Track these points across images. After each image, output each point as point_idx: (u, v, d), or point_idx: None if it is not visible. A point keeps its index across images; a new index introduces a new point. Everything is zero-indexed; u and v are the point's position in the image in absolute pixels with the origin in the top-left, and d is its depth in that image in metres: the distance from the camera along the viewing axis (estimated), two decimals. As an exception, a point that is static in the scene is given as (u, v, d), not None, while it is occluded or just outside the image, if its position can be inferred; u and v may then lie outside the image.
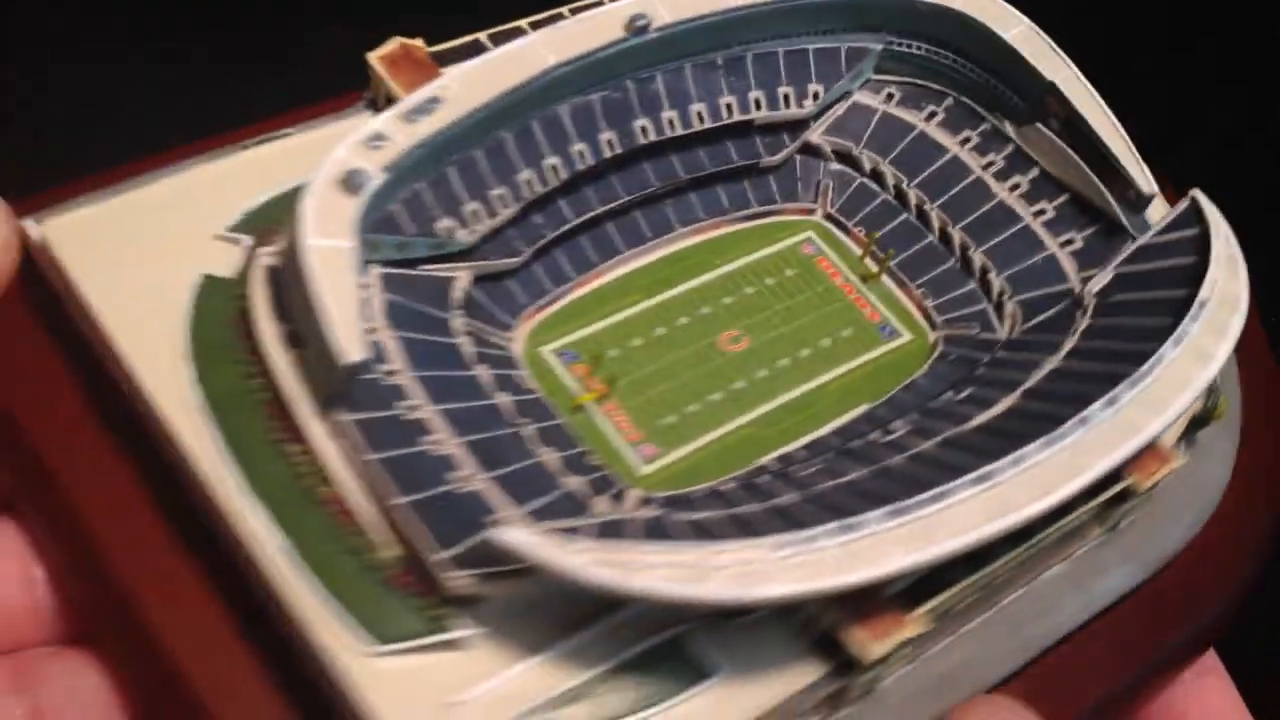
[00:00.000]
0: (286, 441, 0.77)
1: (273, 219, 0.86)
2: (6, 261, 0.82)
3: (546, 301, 0.96)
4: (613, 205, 0.99)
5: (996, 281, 1.00)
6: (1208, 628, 0.89)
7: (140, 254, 0.83)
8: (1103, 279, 0.93)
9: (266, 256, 0.82)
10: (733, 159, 1.03)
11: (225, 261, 0.84)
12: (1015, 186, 1.03)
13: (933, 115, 1.07)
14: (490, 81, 0.89)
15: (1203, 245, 0.90)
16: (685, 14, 0.95)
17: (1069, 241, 1.00)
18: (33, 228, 0.83)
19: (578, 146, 0.95)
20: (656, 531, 0.74)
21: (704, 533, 0.74)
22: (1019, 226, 1.02)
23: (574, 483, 0.83)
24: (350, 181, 0.81)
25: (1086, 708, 0.83)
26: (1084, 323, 0.91)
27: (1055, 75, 1.00)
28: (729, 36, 0.99)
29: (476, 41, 0.98)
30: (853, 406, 0.95)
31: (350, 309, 0.76)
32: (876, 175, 1.06)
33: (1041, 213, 1.02)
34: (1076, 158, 1.01)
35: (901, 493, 0.75)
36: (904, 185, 1.05)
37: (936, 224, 1.04)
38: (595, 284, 0.99)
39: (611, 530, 0.74)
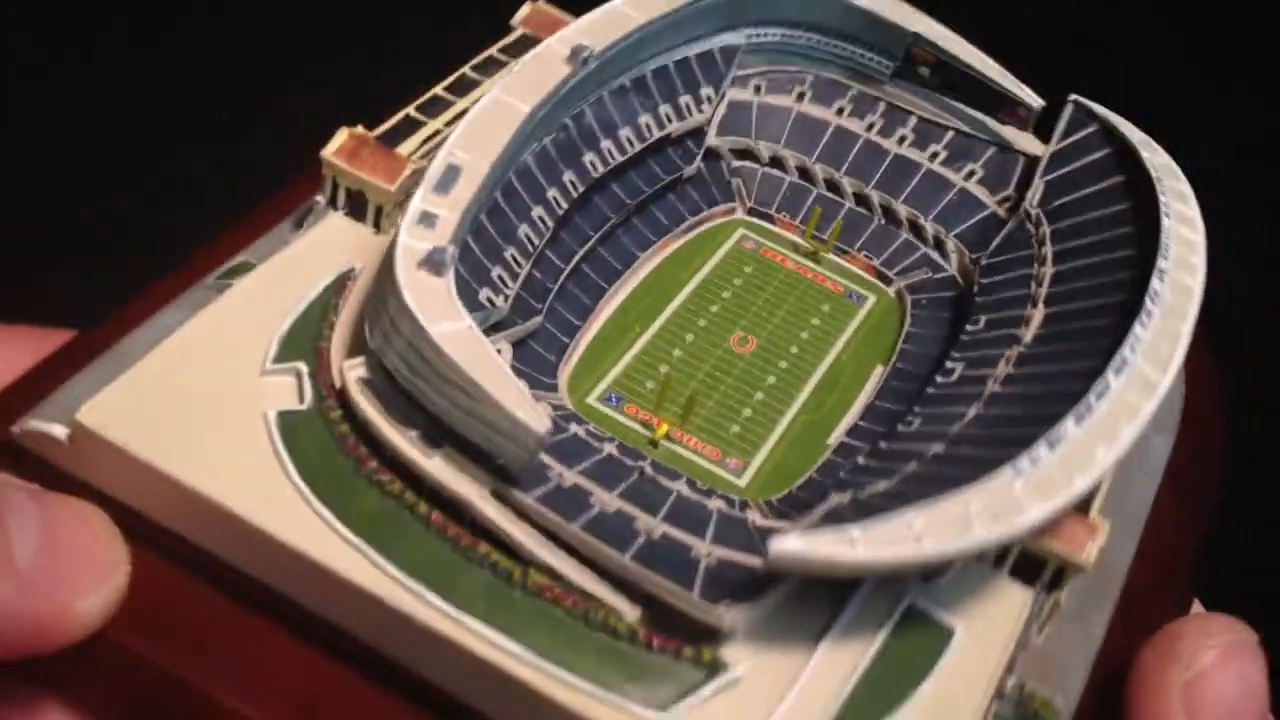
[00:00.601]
0: (469, 544, 0.71)
1: (312, 338, 0.79)
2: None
3: (567, 354, 0.93)
4: (587, 246, 0.97)
5: (928, 226, 1.07)
6: None
7: (191, 417, 0.74)
8: (1036, 192, 1.02)
9: (354, 370, 0.75)
10: (661, 176, 1.04)
11: (282, 396, 0.76)
12: (902, 139, 1.10)
13: (801, 95, 1.12)
14: (489, 141, 0.85)
15: (1107, 134, 1.00)
16: (602, 42, 0.95)
17: (971, 173, 1.08)
18: (49, 427, 0.72)
19: (551, 193, 0.93)
20: (867, 511, 0.74)
21: (905, 499, 0.75)
22: (921, 172, 1.09)
23: (716, 505, 0.81)
24: (434, 261, 0.75)
25: None
26: (1047, 235, 0.99)
27: (915, 26, 1.08)
28: (630, 58, 1.00)
29: (408, 117, 0.93)
30: (871, 369, 0.98)
31: (512, 381, 0.70)
32: (777, 162, 1.10)
33: (935, 155, 1.09)
34: (949, 99, 1.10)
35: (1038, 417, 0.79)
36: (806, 164, 1.10)
37: (850, 190, 1.09)
38: (595, 327, 0.97)
39: (836, 519, 0.73)
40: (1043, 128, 1.09)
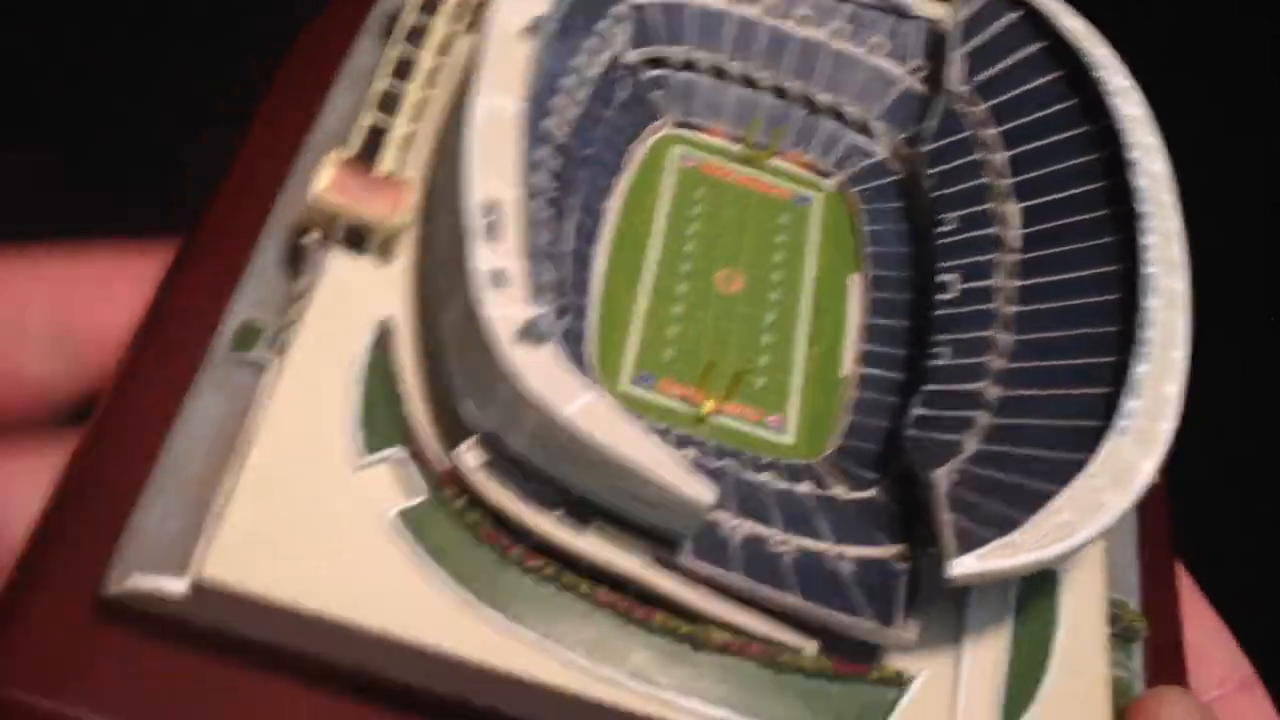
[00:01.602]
0: (643, 616, 0.71)
1: (390, 415, 0.73)
2: None
3: (584, 343, 0.90)
4: (575, 220, 0.92)
5: (852, 109, 1.07)
6: None
7: (311, 541, 0.69)
8: (958, 68, 1.04)
9: (472, 455, 0.71)
10: (602, 114, 0.99)
11: (388, 490, 0.71)
12: (802, 19, 1.08)
13: None
14: (501, 160, 0.78)
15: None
16: (546, 3, 0.88)
17: (877, 45, 1.08)
18: (161, 583, 0.66)
19: (536, 178, 0.87)
20: (983, 488, 0.78)
21: (1006, 463, 0.80)
22: (833, 53, 1.08)
23: (805, 488, 0.83)
24: (535, 333, 0.71)
25: None
26: (988, 115, 1.01)
27: None
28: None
29: (375, 127, 0.84)
30: (844, 278, 1.00)
31: (664, 451, 0.69)
32: (690, 65, 1.07)
33: (839, 32, 1.09)
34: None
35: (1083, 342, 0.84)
36: (719, 62, 1.07)
37: (767, 84, 1.07)
38: (596, 301, 0.93)
39: (959, 505, 0.77)
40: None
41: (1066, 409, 0.81)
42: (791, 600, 0.71)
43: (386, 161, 0.81)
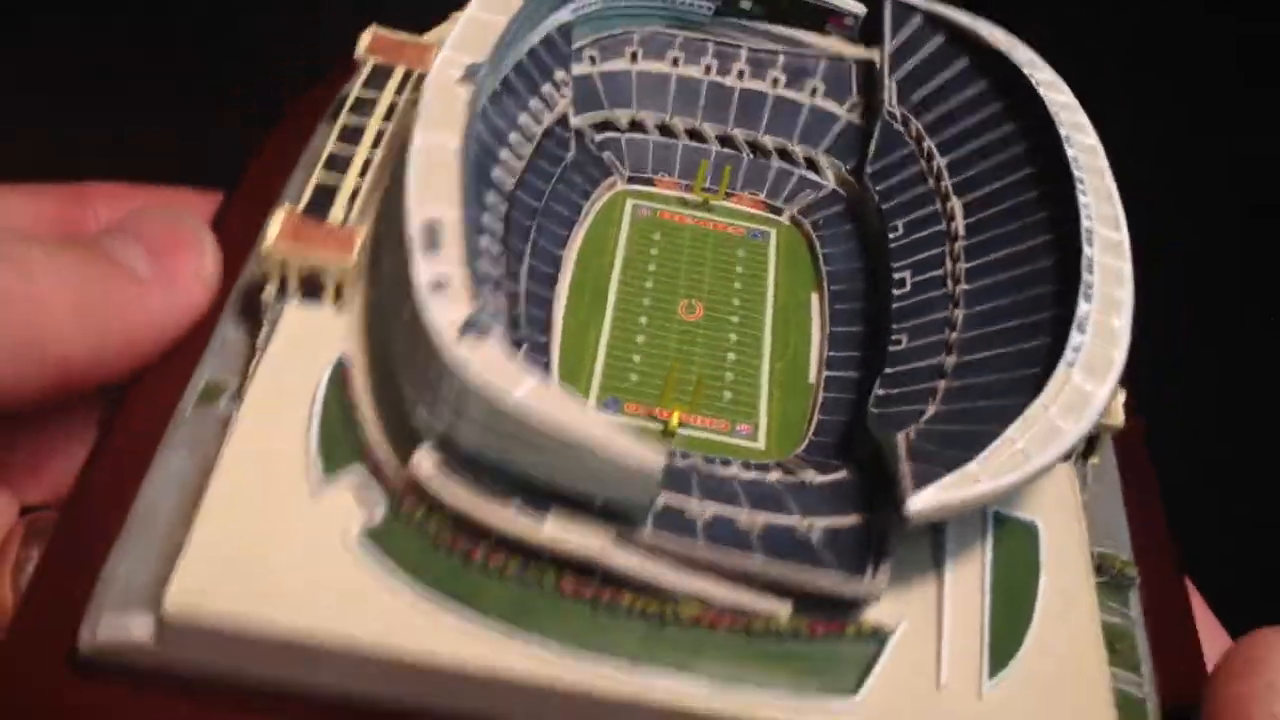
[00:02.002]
0: (611, 598, 0.71)
1: (348, 441, 0.75)
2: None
3: (549, 376, 0.92)
4: (526, 265, 0.95)
5: (797, 149, 1.11)
6: None
7: (275, 567, 0.70)
8: (890, 93, 1.07)
9: (425, 461, 0.72)
10: (550, 171, 1.03)
11: (349, 510, 0.73)
12: (740, 74, 1.13)
13: (634, 55, 1.13)
14: (442, 186, 0.82)
15: (935, 23, 1.06)
16: (482, 54, 0.93)
17: (814, 89, 1.13)
18: (125, 626, 0.67)
19: (485, 219, 0.91)
20: (942, 441, 0.79)
21: (970, 417, 0.80)
22: (770, 100, 1.13)
23: (774, 476, 0.84)
24: (475, 326, 0.73)
25: None
26: (921, 130, 1.04)
27: None
28: (499, 62, 0.98)
29: (320, 185, 0.88)
30: (807, 299, 1.02)
31: (610, 425, 0.70)
32: (636, 125, 1.11)
33: (776, 81, 1.13)
34: (769, 26, 1.14)
35: (1033, 301, 0.85)
36: (663, 120, 1.11)
37: (712, 135, 1.11)
38: (556, 338, 0.96)
39: (919, 456, 0.77)
40: (866, 34, 1.14)
41: (1014, 362, 0.82)
42: (758, 562, 0.71)
43: (335, 213, 0.84)
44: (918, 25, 1.08)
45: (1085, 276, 0.82)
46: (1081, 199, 0.87)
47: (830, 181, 1.09)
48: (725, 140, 1.11)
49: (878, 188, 1.05)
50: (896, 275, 0.97)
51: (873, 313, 0.99)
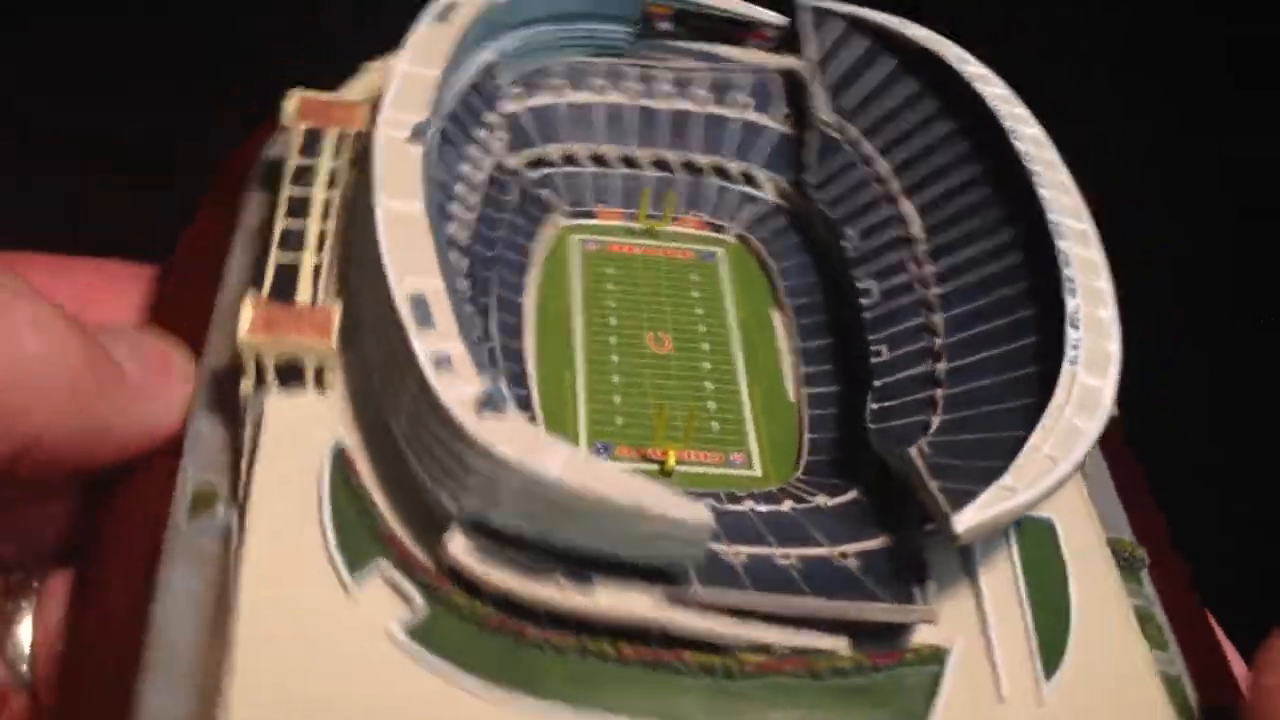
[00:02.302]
0: (672, 659, 0.70)
1: (367, 533, 0.72)
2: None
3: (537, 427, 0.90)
4: (494, 320, 0.93)
5: (732, 166, 1.10)
6: None
7: (310, 689, 0.67)
8: (821, 100, 1.08)
9: (458, 545, 0.70)
10: (496, 217, 1.01)
11: (386, 607, 0.70)
12: (666, 95, 1.12)
13: (559, 88, 1.11)
14: (418, 254, 0.79)
15: (858, 26, 1.07)
16: (424, 110, 0.90)
17: (746, 105, 1.12)
18: None
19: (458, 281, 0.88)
20: (956, 452, 0.79)
21: (976, 425, 0.81)
22: (702, 118, 1.12)
23: (789, 505, 0.83)
24: (491, 403, 0.70)
25: None
26: (859, 135, 1.05)
27: None
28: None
29: (281, 266, 0.85)
30: (769, 317, 1.02)
31: (650, 485, 0.68)
32: (570, 159, 1.09)
33: (703, 98, 1.13)
34: (692, 44, 1.13)
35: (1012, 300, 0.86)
36: (595, 150, 1.10)
37: (647, 161, 1.10)
38: (535, 389, 0.94)
39: (939, 473, 0.77)
40: (786, 43, 1.14)
41: (1006, 363, 0.83)
42: (811, 603, 0.70)
43: (302, 293, 0.81)
44: (841, 30, 1.08)
45: (1065, 271, 0.83)
46: (1042, 192, 0.88)
47: (770, 195, 1.09)
48: (660, 164, 1.10)
49: (822, 197, 1.05)
50: (861, 285, 0.97)
51: (839, 324, 0.99)
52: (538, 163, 1.08)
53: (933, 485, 0.74)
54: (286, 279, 0.82)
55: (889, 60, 1.05)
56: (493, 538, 0.70)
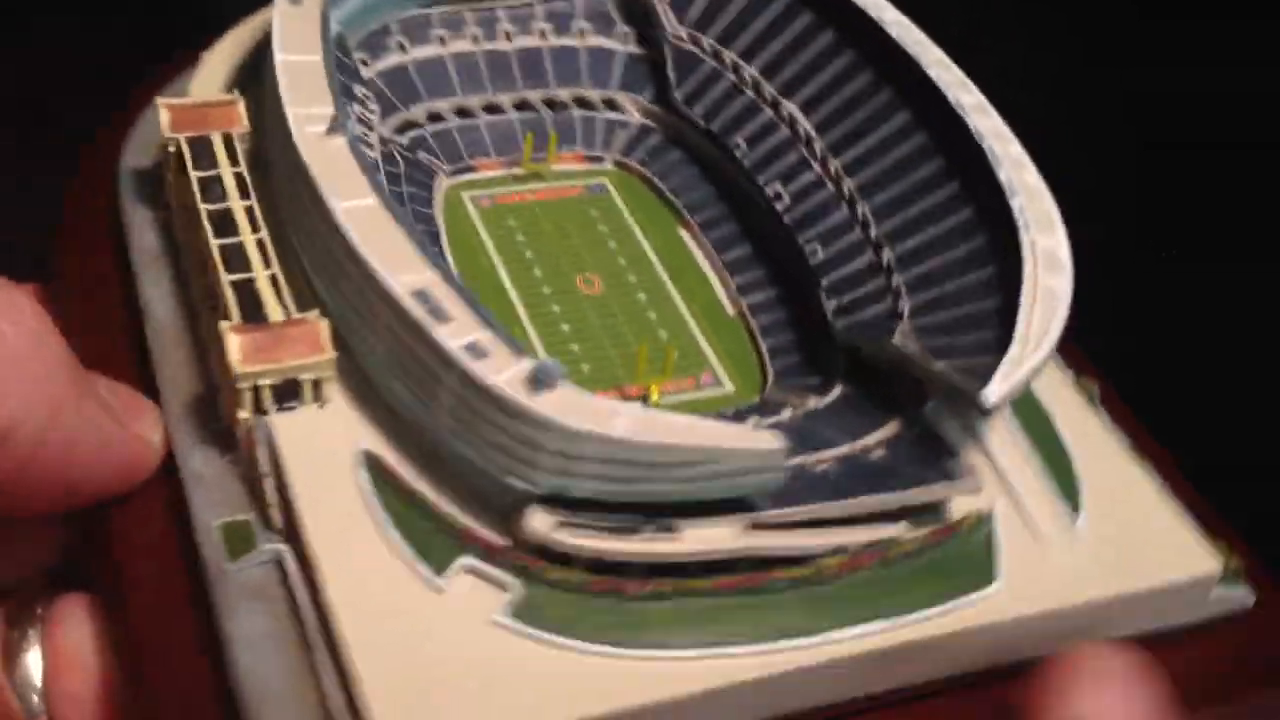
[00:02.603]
0: (765, 581, 0.73)
1: (432, 530, 0.72)
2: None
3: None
4: None
5: (593, 94, 1.11)
6: None
7: (436, 693, 0.67)
8: (669, 17, 1.09)
9: (543, 522, 0.70)
10: (400, 191, 0.98)
11: (480, 598, 0.70)
12: (508, 34, 1.11)
13: (402, 45, 1.08)
14: (397, 252, 0.77)
15: None
16: (325, 97, 0.87)
17: (586, 31, 1.13)
18: None
19: None
20: (944, 329, 0.84)
21: (961, 297, 0.86)
22: (549, 52, 1.12)
23: (787, 417, 0.87)
24: (544, 379, 0.70)
25: None
26: (714, 46, 1.07)
27: None
28: None
29: (237, 282, 0.80)
30: (678, 237, 1.04)
31: (715, 423, 0.71)
32: (435, 117, 1.07)
33: (544, 32, 1.12)
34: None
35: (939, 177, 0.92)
36: (457, 103, 1.08)
37: (509, 104, 1.09)
38: None
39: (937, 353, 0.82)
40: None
41: (953, 239, 0.88)
42: (870, 501, 0.74)
43: (273, 311, 0.77)
44: None
45: (985, 144, 0.88)
46: (930, 72, 0.93)
47: (636, 116, 1.10)
48: (522, 105, 1.09)
49: (695, 111, 1.07)
50: (768, 190, 1.00)
51: (753, 232, 1.01)
52: (405, 126, 1.05)
53: (939, 367, 0.79)
54: (249, 299, 0.78)
55: None
56: (571, 507, 0.70)
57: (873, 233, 0.92)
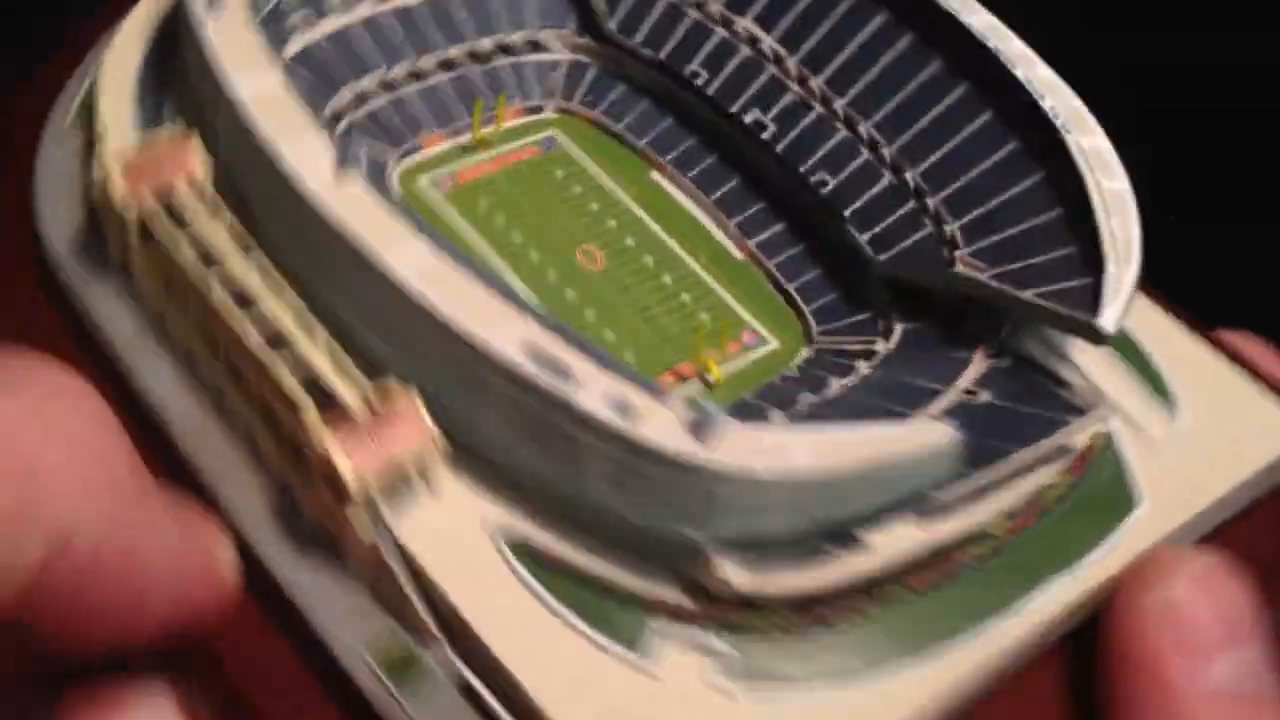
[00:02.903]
0: (951, 571, 0.71)
1: (620, 606, 0.67)
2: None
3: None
4: None
5: (514, 38, 1.02)
6: None
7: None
8: None
9: (735, 572, 0.66)
10: None
11: (690, 663, 0.66)
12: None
13: (307, 23, 0.96)
14: (462, 296, 0.70)
15: None
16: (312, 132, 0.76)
17: None
18: None
19: None
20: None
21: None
22: (457, 2, 1.02)
23: (865, 368, 0.84)
24: (706, 422, 0.65)
25: None
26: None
27: None
28: None
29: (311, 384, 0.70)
30: (652, 182, 0.98)
31: (876, 424, 0.68)
32: (360, 99, 0.96)
33: None
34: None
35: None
36: (380, 79, 0.97)
37: (433, 67, 0.99)
38: None
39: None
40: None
41: (985, 147, 0.86)
42: (1026, 455, 0.72)
43: (350, 400, 0.68)
44: None
45: (990, 43, 0.85)
46: None
47: (566, 53, 1.02)
48: (446, 64, 0.99)
49: (635, 41, 0.99)
50: (745, 119, 0.94)
51: (736, 163, 0.96)
52: (334, 117, 0.94)
53: (1029, 296, 0.77)
54: (317, 391, 0.68)
55: None
56: (749, 548, 0.66)
57: (885, 153, 0.89)
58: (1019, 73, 0.82)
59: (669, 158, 0.97)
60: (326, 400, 0.67)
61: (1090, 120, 0.82)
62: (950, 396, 0.77)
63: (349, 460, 0.65)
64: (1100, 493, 0.75)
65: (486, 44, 0.98)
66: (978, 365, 0.79)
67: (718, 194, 0.95)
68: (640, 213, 0.94)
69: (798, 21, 0.93)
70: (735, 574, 0.65)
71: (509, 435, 0.67)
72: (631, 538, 0.66)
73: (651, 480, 0.64)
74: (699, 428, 0.63)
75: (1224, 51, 1.10)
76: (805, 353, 0.86)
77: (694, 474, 0.63)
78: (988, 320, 0.80)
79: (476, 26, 0.98)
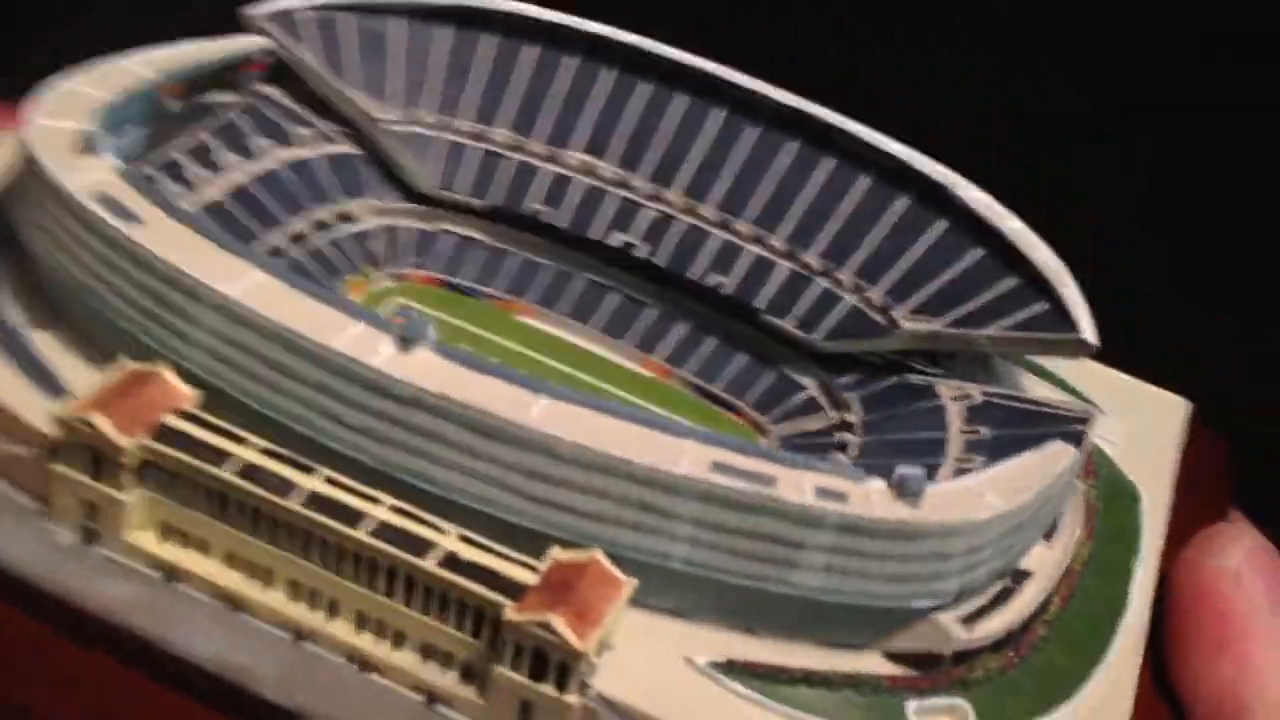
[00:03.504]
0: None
1: (823, 690, 0.66)
2: None
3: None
4: None
5: (325, 213, 0.96)
6: None
7: None
8: (361, 106, 0.97)
9: (958, 627, 0.67)
10: None
11: None
12: (258, 150, 0.94)
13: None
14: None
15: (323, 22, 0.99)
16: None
17: (268, 149, 0.97)
18: None
19: None
20: None
21: None
22: (283, 172, 0.95)
23: (854, 438, 0.87)
24: (909, 488, 0.65)
25: None
26: (435, 114, 0.98)
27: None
28: None
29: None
30: (519, 324, 0.96)
31: (1031, 456, 0.72)
32: (294, 243, 0.87)
33: (262, 149, 0.95)
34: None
35: None
36: (283, 236, 0.89)
37: (298, 231, 0.92)
38: None
39: None
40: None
41: (873, 212, 0.93)
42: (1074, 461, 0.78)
43: (515, 573, 0.61)
44: (315, 29, 0.97)
45: (833, 119, 0.92)
46: (702, 65, 0.95)
47: (374, 221, 0.97)
48: (297, 238, 0.93)
49: (467, 194, 0.97)
50: (610, 242, 0.95)
51: (607, 285, 0.96)
52: (275, 251, 0.83)
53: (997, 333, 0.85)
54: (476, 574, 0.60)
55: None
56: (956, 602, 0.68)
57: (774, 243, 0.92)
58: (877, 142, 0.90)
59: (528, 298, 0.94)
60: (511, 589, 0.60)
61: (962, 179, 0.91)
62: (958, 440, 0.82)
63: (572, 636, 0.58)
64: (1112, 489, 0.83)
65: (301, 225, 0.91)
66: (953, 408, 0.84)
67: (598, 319, 0.93)
68: (532, 353, 0.90)
69: (632, 141, 0.94)
70: (962, 629, 0.64)
71: (704, 558, 0.63)
72: (830, 623, 0.64)
73: (872, 558, 0.63)
74: (904, 490, 0.63)
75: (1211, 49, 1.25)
76: (758, 442, 0.87)
77: (920, 538, 0.62)
78: (930, 369, 0.86)
79: (311, 199, 0.92)
